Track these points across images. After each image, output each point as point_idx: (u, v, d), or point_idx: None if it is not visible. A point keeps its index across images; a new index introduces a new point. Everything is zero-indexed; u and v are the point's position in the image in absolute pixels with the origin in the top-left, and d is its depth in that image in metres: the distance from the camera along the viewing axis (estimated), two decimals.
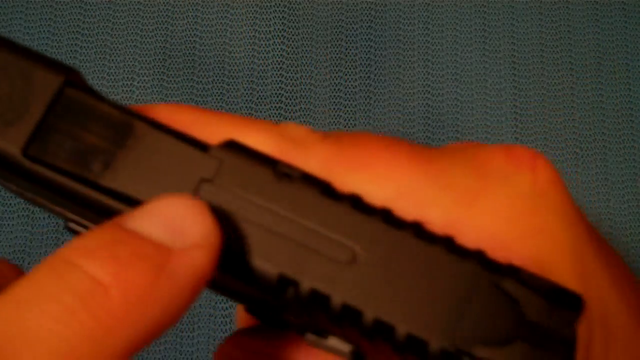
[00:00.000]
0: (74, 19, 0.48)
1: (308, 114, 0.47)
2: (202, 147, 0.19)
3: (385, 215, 0.18)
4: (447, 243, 0.18)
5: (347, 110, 0.47)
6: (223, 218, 0.18)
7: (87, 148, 0.19)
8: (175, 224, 0.17)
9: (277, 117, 0.47)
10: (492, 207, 0.19)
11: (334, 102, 0.47)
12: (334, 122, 0.47)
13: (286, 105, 0.47)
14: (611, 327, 0.20)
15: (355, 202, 0.18)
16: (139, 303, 0.15)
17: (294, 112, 0.47)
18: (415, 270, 0.18)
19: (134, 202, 0.18)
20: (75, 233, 0.21)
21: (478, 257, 0.18)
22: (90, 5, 0.49)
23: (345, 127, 0.47)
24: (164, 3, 0.49)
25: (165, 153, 0.19)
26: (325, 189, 0.18)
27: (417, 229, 0.18)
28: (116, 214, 0.18)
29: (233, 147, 0.19)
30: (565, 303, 0.17)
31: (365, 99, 0.48)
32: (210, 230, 0.17)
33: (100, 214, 0.19)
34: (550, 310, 0.17)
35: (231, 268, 0.18)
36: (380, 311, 0.18)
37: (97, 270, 0.15)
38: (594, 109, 0.48)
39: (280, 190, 0.18)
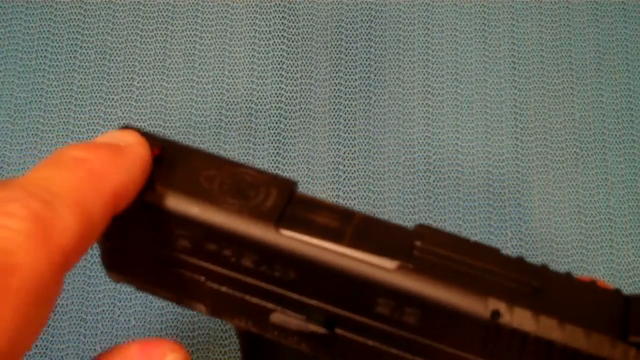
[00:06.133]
0: (74, 19, 0.48)
1: (308, 114, 0.47)
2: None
3: None
4: None
5: (347, 110, 0.47)
6: None
7: (322, 225, 0.27)
8: (121, 137, 0.28)
9: (277, 117, 0.47)
10: None
11: (334, 102, 0.47)
12: (334, 122, 0.47)
13: (286, 105, 0.47)
14: None
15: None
16: (110, 166, 0.26)
17: (294, 112, 0.47)
18: None
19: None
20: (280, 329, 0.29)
21: None
22: (90, 5, 0.49)
23: (345, 127, 0.47)
24: (164, 3, 0.49)
25: (377, 229, 0.27)
26: None
27: None
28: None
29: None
30: None
31: (365, 99, 0.47)
32: (141, 139, 0.28)
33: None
34: None
35: None
36: None
37: (81, 153, 0.26)
38: (594, 109, 0.48)
39: None
